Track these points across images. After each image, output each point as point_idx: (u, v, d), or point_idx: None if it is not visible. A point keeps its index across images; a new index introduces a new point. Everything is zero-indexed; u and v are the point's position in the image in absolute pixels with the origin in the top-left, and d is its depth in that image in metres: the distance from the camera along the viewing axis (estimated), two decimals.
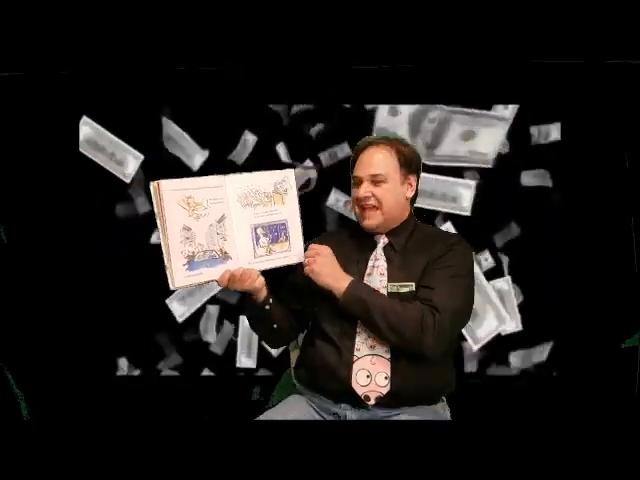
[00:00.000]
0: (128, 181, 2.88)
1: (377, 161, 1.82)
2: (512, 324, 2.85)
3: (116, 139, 2.87)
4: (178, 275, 1.63)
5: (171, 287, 1.64)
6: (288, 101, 2.82)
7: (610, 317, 2.42)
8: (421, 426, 1.77)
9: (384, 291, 1.77)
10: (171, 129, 2.89)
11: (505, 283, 2.85)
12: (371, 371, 1.72)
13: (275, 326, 1.88)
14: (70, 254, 2.71)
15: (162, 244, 1.62)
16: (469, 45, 2.19)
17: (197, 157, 2.90)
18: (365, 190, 1.81)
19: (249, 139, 2.88)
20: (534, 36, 2.15)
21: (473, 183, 2.82)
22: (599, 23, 2.12)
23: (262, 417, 1.81)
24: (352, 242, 1.91)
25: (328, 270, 1.76)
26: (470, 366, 2.87)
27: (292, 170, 1.84)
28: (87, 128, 2.86)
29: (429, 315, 1.67)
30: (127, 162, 2.89)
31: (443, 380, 1.83)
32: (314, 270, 1.76)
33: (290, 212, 1.82)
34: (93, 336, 2.86)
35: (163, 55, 2.26)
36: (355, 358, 1.74)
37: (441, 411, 1.85)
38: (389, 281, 1.79)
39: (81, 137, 2.83)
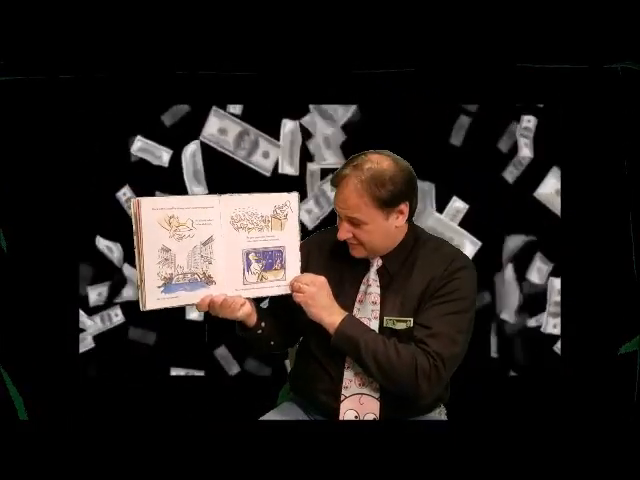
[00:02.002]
0: None
1: (349, 202, 1.63)
2: None
3: None
4: (150, 297, 1.56)
5: (142, 308, 1.58)
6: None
7: (610, 322, 2.41)
8: (417, 426, 1.77)
9: (376, 322, 1.68)
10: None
11: None
12: (359, 412, 1.68)
13: (272, 343, 1.83)
14: (69, 255, 2.70)
15: (136, 263, 1.56)
16: (468, 49, 2.14)
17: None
18: (345, 232, 1.67)
19: None
20: (533, 40, 2.10)
21: None
22: (598, 27, 2.07)
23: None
24: (345, 257, 1.75)
25: (322, 302, 1.65)
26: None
27: (296, 194, 1.71)
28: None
29: (425, 362, 1.59)
30: None
31: (435, 400, 1.80)
32: (307, 302, 1.65)
33: (289, 239, 1.71)
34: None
35: (163, 58, 2.22)
36: (343, 397, 1.69)
37: (437, 417, 1.84)
38: (383, 313, 1.69)
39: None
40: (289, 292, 1.71)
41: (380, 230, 1.66)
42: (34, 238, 2.58)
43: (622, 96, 2.20)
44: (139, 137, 2.81)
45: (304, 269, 1.75)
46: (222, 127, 2.73)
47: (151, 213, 1.55)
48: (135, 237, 1.55)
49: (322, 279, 1.67)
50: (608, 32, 2.07)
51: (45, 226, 2.61)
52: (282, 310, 1.82)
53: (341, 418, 1.69)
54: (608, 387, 2.36)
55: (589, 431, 2.02)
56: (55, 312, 2.66)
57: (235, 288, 1.67)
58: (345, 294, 1.73)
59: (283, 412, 1.85)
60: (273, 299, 1.85)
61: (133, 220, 1.54)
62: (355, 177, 1.63)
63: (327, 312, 1.65)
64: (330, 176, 1.77)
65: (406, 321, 1.67)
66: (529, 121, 2.78)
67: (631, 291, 2.28)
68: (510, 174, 2.81)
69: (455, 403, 1.91)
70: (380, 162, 1.65)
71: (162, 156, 2.82)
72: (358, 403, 1.68)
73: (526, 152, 2.78)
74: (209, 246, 1.63)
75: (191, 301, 1.63)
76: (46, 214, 2.63)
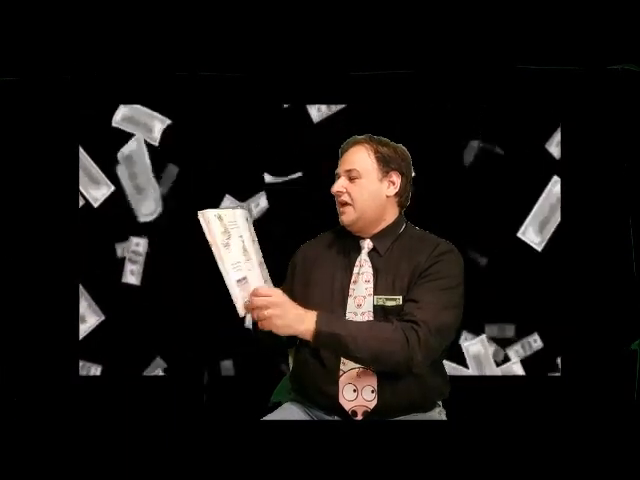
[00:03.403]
0: None
1: (353, 157, 1.82)
2: None
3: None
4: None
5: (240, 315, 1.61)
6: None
7: (609, 321, 2.41)
8: (417, 427, 1.76)
9: (370, 299, 1.74)
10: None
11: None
12: (357, 385, 1.70)
13: (285, 339, 1.85)
14: (69, 253, 2.72)
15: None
16: (470, 51, 2.18)
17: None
18: (339, 185, 1.81)
19: None
20: (534, 42, 2.14)
21: None
22: (599, 29, 2.10)
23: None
24: (339, 246, 1.88)
25: (286, 321, 1.58)
26: (468, 367, 2.86)
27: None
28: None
29: (412, 333, 1.61)
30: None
31: (434, 388, 1.80)
32: (271, 327, 1.58)
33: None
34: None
35: (163, 59, 2.26)
36: (341, 372, 1.71)
37: (437, 416, 1.84)
38: (375, 291, 1.75)
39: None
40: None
41: (371, 188, 1.80)
42: (34, 238, 2.59)
43: (623, 97, 2.23)
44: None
45: (301, 273, 1.88)
46: None
47: (215, 221, 1.59)
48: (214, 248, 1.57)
49: (277, 294, 1.62)
50: (609, 34, 2.10)
51: (44, 225, 2.62)
52: None
53: (340, 394, 1.71)
54: (608, 387, 2.35)
55: (589, 431, 2.02)
56: (55, 312, 2.67)
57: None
58: (341, 279, 1.81)
59: (284, 413, 1.86)
60: None
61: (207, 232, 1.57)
62: (363, 138, 1.85)
63: (297, 322, 1.60)
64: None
65: (396, 299, 1.73)
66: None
67: (631, 292, 2.28)
68: None
69: (455, 403, 1.91)
70: (388, 140, 1.87)
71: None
72: (356, 376, 1.71)
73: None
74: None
75: None
76: (44, 212, 2.64)
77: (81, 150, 2.82)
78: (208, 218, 1.56)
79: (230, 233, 1.62)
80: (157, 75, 2.42)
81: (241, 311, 1.59)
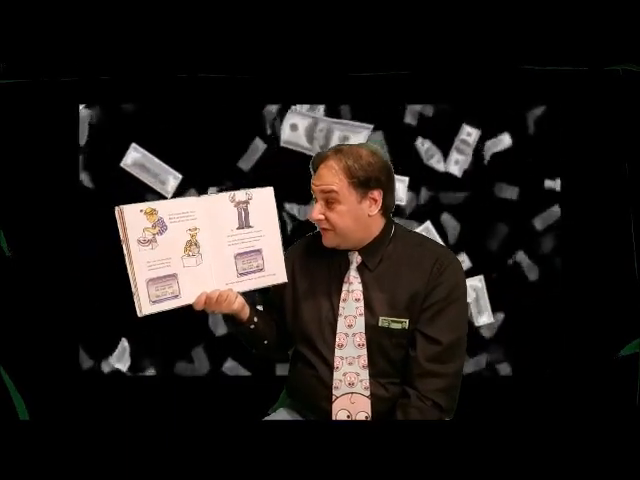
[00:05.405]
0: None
1: (326, 178, 1.66)
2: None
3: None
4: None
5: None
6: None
7: (610, 323, 2.41)
8: (415, 426, 1.75)
9: (362, 319, 1.68)
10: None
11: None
12: (351, 411, 1.67)
13: (266, 342, 1.83)
14: (69, 255, 2.72)
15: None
16: (470, 51, 2.16)
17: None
18: (317, 212, 1.68)
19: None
20: (535, 42, 2.11)
21: None
22: (598, 30, 2.08)
23: None
24: (325, 259, 1.78)
25: None
26: (467, 368, 2.86)
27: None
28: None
29: (444, 399, 1.67)
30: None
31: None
32: None
33: None
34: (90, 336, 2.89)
35: (163, 62, 2.24)
36: (334, 398, 1.68)
37: None
38: (369, 310, 1.69)
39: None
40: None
41: (352, 213, 1.67)
42: (34, 239, 2.60)
43: (623, 97, 2.20)
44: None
45: (291, 278, 1.79)
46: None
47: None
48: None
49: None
50: (609, 34, 2.07)
51: (46, 227, 2.63)
52: (275, 311, 1.86)
53: (334, 419, 1.68)
54: (609, 390, 2.35)
55: (590, 435, 2.01)
56: (55, 312, 2.68)
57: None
58: (330, 295, 1.75)
59: (280, 417, 1.86)
60: (266, 300, 1.89)
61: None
62: (334, 158, 1.67)
63: None
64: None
65: (401, 322, 1.68)
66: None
67: (632, 293, 2.27)
68: None
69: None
70: (360, 148, 1.70)
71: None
72: (349, 402, 1.67)
73: None
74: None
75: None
76: (47, 214, 2.64)
77: None
78: (123, 214, 1.51)
79: (165, 227, 1.56)
80: (157, 77, 2.40)
81: (144, 310, 1.55)
